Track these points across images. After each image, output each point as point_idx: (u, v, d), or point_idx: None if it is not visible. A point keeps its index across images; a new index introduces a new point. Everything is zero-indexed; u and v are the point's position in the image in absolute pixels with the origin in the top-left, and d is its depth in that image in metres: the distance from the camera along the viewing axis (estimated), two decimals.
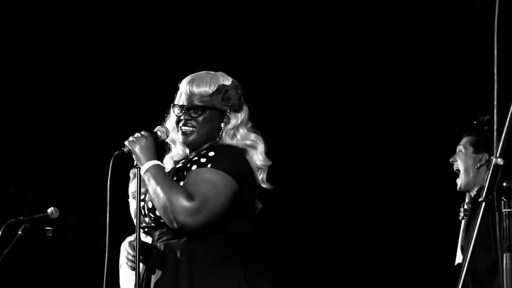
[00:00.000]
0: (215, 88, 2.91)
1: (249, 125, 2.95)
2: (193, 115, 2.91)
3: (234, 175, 2.76)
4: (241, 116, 2.92)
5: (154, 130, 3.02)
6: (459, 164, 3.95)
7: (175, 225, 2.74)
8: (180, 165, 2.93)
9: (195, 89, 2.92)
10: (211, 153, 2.81)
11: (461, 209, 3.98)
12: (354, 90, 5.82)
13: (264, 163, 2.90)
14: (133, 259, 2.90)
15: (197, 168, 2.79)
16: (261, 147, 2.92)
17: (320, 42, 5.76)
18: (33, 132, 6.10)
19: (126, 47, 5.95)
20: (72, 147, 6.10)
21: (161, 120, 3.10)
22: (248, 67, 5.65)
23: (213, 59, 5.77)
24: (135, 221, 2.92)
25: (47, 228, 4.48)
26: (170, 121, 3.01)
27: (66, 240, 5.93)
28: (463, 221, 3.95)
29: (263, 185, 2.92)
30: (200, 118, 2.91)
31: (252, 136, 2.93)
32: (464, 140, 3.98)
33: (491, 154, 3.74)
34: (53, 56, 5.97)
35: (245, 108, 2.96)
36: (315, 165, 5.88)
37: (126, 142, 2.94)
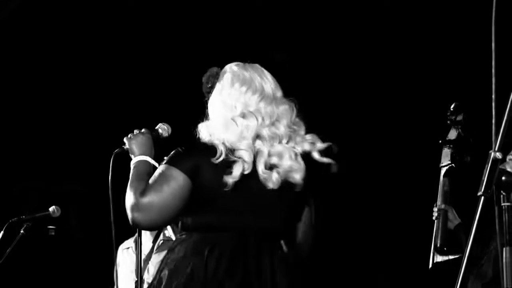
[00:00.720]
0: None
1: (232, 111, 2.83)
2: None
3: (185, 171, 2.67)
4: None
5: (156, 128, 3.05)
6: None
7: (131, 222, 2.69)
8: None
9: None
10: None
11: (434, 209, 3.97)
12: (355, 88, 5.83)
13: (238, 146, 2.73)
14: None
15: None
16: (236, 130, 2.75)
17: (321, 40, 5.76)
18: (34, 132, 6.10)
19: (126, 46, 5.96)
20: (73, 146, 6.11)
21: (161, 119, 3.12)
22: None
23: (213, 57, 5.80)
24: None
25: (50, 227, 4.49)
26: None
27: (68, 239, 5.94)
28: (436, 221, 3.93)
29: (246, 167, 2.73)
30: None
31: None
32: None
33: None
34: (53, 56, 5.98)
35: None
36: None
37: (124, 139, 2.97)
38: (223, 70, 2.92)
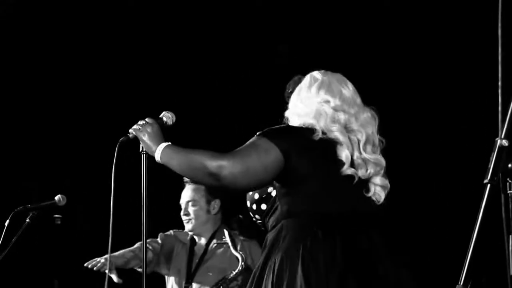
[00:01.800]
0: None
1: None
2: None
3: (279, 145, 2.67)
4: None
5: (160, 116, 3.03)
6: None
7: (212, 179, 2.67)
8: None
9: None
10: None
11: None
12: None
13: (331, 128, 2.75)
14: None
15: None
16: (326, 114, 2.77)
17: (322, 32, 5.73)
18: (40, 124, 6.10)
19: (122, 40, 5.95)
20: (79, 137, 6.11)
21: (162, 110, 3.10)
22: (251, 58, 5.65)
23: (215, 50, 5.81)
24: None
25: (56, 215, 4.49)
26: None
27: (74, 228, 5.94)
28: None
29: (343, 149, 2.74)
30: None
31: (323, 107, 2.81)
32: None
33: None
34: (50, 52, 5.98)
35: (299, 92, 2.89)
36: None
37: (131, 130, 2.94)
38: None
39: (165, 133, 2.93)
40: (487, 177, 1.87)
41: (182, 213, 4.42)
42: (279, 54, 5.78)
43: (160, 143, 2.83)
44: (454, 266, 2.08)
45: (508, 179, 1.92)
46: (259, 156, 2.64)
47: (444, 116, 5.52)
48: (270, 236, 2.76)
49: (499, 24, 1.87)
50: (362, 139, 2.76)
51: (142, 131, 2.89)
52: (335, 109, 2.77)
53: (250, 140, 2.70)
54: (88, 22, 5.91)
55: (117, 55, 5.98)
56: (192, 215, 4.38)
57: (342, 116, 2.76)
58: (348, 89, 2.85)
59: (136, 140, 2.93)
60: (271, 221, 2.86)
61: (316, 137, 2.70)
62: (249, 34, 5.77)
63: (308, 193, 2.68)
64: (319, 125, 2.73)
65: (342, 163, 2.70)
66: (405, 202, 5.53)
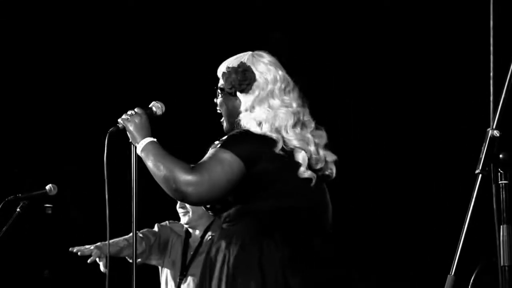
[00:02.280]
0: (225, 71, 2.90)
1: (272, 100, 2.84)
2: (216, 99, 2.93)
3: (241, 156, 2.71)
4: (254, 95, 2.87)
5: (150, 106, 3.02)
6: None
7: (177, 195, 2.73)
8: None
9: (219, 72, 2.94)
10: (225, 138, 2.81)
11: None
12: (352, 84, 5.80)
13: (287, 136, 2.79)
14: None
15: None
16: (281, 118, 2.81)
17: (318, 21, 5.73)
18: (29, 114, 6.09)
19: (113, 33, 5.94)
20: (69, 127, 6.10)
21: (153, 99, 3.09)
22: (245, 44, 5.63)
23: (210, 38, 5.79)
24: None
25: (47, 205, 4.48)
26: None
27: (66, 218, 5.94)
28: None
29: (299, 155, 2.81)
30: (218, 101, 2.94)
31: (279, 111, 2.82)
32: None
33: None
34: (47, 50, 5.97)
35: (268, 82, 2.85)
36: None
37: (119, 120, 2.94)
38: (248, 64, 2.89)
39: (155, 123, 2.93)
40: (479, 168, 1.88)
41: (178, 205, 4.41)
42: (271, 42, 5.78)
43: (146, 136, 2.85)
44: (446, 256, 2.09)
45: (499, 169, 1.92)
46: (225, 172, 2.69)
47: (436, 108, 5.53)
48: (223, 233, 2.80)
49: (491, 16, 1.87)
50: (311, 134, 2.84)
51: (130, 121, 2.89)
52: (294, 112, 2.82)
53: (215, 154, 2.72)
54: (71, 17, 5.88)
55: (107, 46, 5.96)
56: (188, 208, 4.37)
57: (298, 116, 2.83)
58: (290, 80, 2.91)
59: (125, 131, 2.93)
60: (224, 215, 2.87)
61: (277, 143, 2.75)
62: (241, 23, 5.76)
63: (269, 195, 2.75)
64: (278, 133, 2.78)
65: (299, 166, 2.77)
66: (397, 194, 5.55)
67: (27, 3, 5.83)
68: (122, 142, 2.95)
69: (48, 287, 6.18)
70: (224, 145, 2.74)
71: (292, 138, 2.78)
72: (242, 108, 2.85)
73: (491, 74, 1.91)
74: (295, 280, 2.68)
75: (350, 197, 5.69)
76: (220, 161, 2.70)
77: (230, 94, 2.89)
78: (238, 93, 2.87)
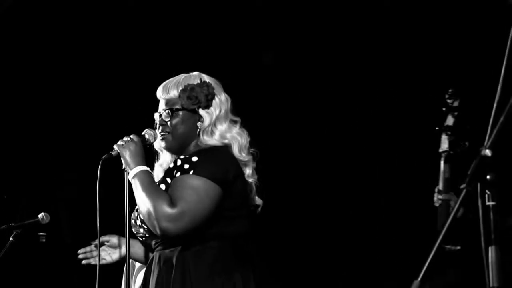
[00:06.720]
0: (180, 89, 2.92)
1: (229, 119, 2.95)
2: (165, 119, 2.95)
3: (216, 180, 2.77)
4: (215, 112, 2.91)
5: (142, 133, 3.04)
6: None
7: (158, 230, 2.76)
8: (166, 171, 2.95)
9: (165, 94, 2.97)
10: (194, 158, 2.82)
11: (436, 195, 3.85)
12: (345, 89, 5.81)
13: (242, 159, 2.91)
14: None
15: (180, 175, 2.80)
16: (240, 141, 2.92)
17: (308, 42, 5.75)
18: (22, 137, 6.08)
19: (115, 48, 5.94)
20: (63, 151, 6.09)
21: (151, 123, 3.12)
22: (236, 67, 5.65)
23: (202, 60, 5.78)
24: (133, 229, 2.96)
25: (41, 233, 4.47)
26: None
27: (60, 245, 5.92)
28: (438, 207, 3.85)
29: (249, 180, 2.94)
30: (172, 122, 2.95)
31: (234, 131, 2.93)
32: None
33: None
34: (43, 57, 5.96)
35: (223, 102, 2.94)
36: (309, 165, 5.85)
37: (115, 146, 2.96)
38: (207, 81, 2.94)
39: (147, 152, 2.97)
40: (465, 183, 1.89)
41: None
42: (263, 63, 5.80)
43: (139, 164, 2.89)
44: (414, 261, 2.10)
45: (486, 190, 1.92)
46: (204, 204, 2.77)
47: (435, 108, 5.52)
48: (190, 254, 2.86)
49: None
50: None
51: (125, 148, 2.92)
52: (238, 132, 2.95)
53: (188, 182, 2.77)
54: (64, 24, 5.88)
55: (100, 62, 5.96)
56: None
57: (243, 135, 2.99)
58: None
59: (118, 158, 2.95)
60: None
61: (238, 164, 2.89)
62: (234, 41, 5.77)
63: (239, 217, 2.88)
64: (236, 152, 2.91)
65: (252, 190, 2.97)
66: (397, 194, 5.55)
67: (27, 4, 5.82)
68: (115, 169, 2.98)
69: None
70: (196, 171, 2.76)
71: (246, 160, 2.95)
72: (205, 125, 2.89)
73: (498, 89, 1.91)
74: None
75: (348, 197, 5.71)
76: (195, 189, 2.74)
77: (191, 112, 2.91)
78: (200, 110, 2.90)
